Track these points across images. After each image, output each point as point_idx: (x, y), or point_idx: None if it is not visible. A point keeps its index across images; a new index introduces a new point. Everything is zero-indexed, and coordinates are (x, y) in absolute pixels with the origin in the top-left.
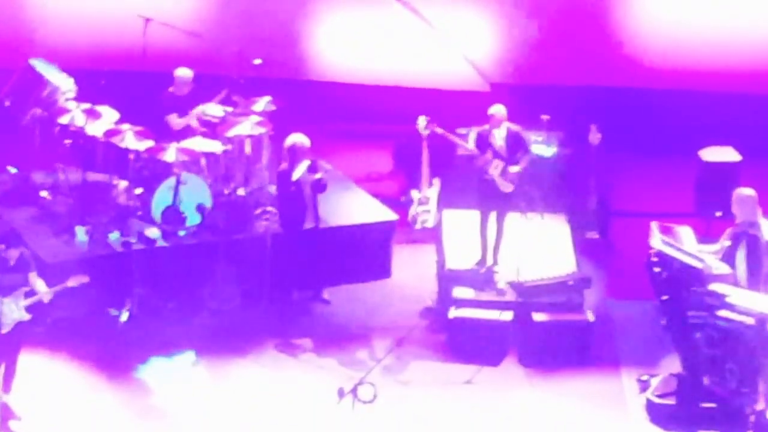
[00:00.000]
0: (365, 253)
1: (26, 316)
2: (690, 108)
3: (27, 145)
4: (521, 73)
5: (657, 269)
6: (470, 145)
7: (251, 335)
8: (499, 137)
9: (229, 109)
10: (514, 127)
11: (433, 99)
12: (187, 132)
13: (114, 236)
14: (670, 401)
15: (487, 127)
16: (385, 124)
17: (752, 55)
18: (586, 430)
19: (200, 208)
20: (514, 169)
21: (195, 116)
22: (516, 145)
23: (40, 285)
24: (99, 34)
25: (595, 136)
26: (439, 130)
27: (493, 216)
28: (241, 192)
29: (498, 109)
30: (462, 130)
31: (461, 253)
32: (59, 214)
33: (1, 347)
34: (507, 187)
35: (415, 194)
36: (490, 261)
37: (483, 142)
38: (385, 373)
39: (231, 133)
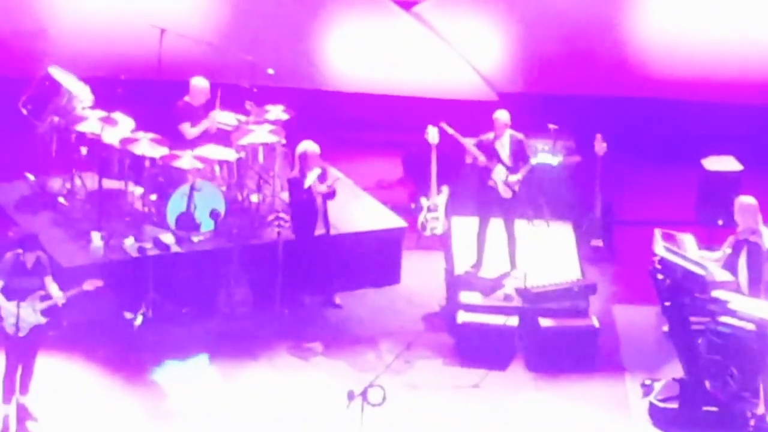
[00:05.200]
0: (375, 259)
1: (42, 320)
2: (693, 118)
3: (44, 152)
4: (528, 83)
5: (660, 276)
6: (481, 157)
7: (263, 339)
8: (502, 144)
9: (243, 117)
10: (518, 135)
11: (442, 108)
12: (201, 140)
13: (129, 242)
14: (673, 405)
15: (491, 135)
16: (395, 132)
17: (754, 66)
18: None
19: (214, 215)
20: (515, 177)
21: (209, 123)
22: (518, 153)
23: (54, 289)
24: (115, 44)
25: (600, 146)
26: (450, 130)
27: (499, 224)
28: (254, 199)
29: (503, 115)
30: (470, 140)
31: (469, 260)
32: (76, 219)
33: (19, 350)
34: (506, 193)
35: (424, 202)
36: (485, 265)
37: (487, 148)
38: (394, 377)
39: (244, 141)
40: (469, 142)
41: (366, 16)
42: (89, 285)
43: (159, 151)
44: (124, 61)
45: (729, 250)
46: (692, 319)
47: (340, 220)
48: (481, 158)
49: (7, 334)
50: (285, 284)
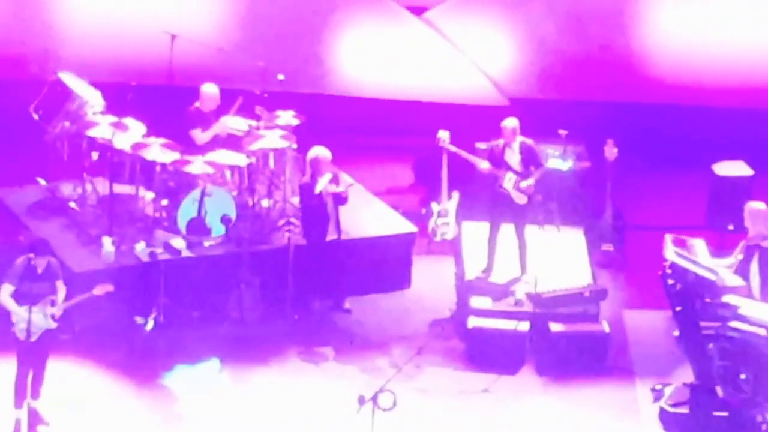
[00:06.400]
0: (386, 264)
1: (53, 324)
2: (703, 123)
3: (56, 157)
4: (539, 88)
5: (671, 281)
6: (484, 164)
7: (274, 344)
8: (512, 151)
9: (253, 122)
10: (528, 141)
11: (453, 113)
12: (211, 146)
13: (140, 246)
14: (684, 410)
15: (501, 141)
16: (406, 138)
17: (765, 71)
18: None
19: (225, 220)
20: (526, 182)
21: (219, 128)
22: (529, 159)
23: (63, 295)
24: (127, 50)
25: (611, 151)
26: (453, 148)
27: (510, 229)
28: (264, 204)
29: (511, 123)
30: (481, 145)
31: (480, 265)
32: (87, 224)
33: (30, 355)
34: (521, 199)
35: (434, 207)
36: (496, 270)
37: (497, 156)
38: (405, 381)
39: (255, 146)
40: (470, 155)
41: (377, 21)
42: (100, 290)
43: (170, 157)
44: (135, 66)
45: (740, 256)
46: (703, 324)
47: (350, 225)
48: (484, 165)
49: (18, 339)
50: (295, 289)
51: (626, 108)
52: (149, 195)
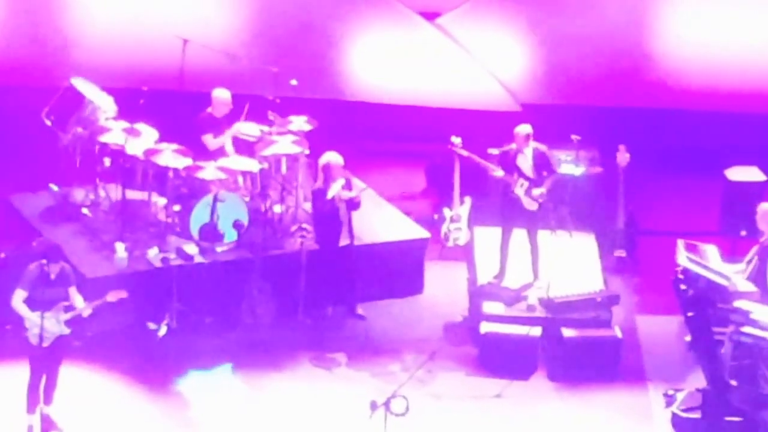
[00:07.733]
0: (398, 270)
1: (66, 330)
2: (716, 128)
3: (68, 163)
4: (552, 94)
5: (683, 286)
6: (498, 172)
7: (287, 349)
8: (525, 157)
9: (266, 128)
10: (541, 147)
11: (465, 119)
12: (223, 152)
13: (153, 252)
14: (696, 415)
15: (513, 146)
16: (418, 143)
17: None
18: None
19: (237, 225)
20: (538, 190)
21: (230, 135)
22: (542, 165)
23: (78, 300)
24: (139, 55)
25: (623, 156)
26: (465, 153)
27: (522, 234)
28: (277, 209)
29: (524, 129)
30: (493, 150)
31: (492, 270)
32: (99, 230)
33: (43, 360)
34: (532, 205)
35: (447, 212)
36: (508, 275)
37: (509, 162)
38: (417, 387)
39: (267, 151)
40: (483, 160)
41: (389, 26)
42: (113, 296)
43: (182, 162)
44: (147, 71)
45: (756, 258)
46: (715, 329)
47: (363, 231)
48: (497, 172)
49: (31, 345)
50: (308, 294)
51: (639, 113)
52: (162, 201)
